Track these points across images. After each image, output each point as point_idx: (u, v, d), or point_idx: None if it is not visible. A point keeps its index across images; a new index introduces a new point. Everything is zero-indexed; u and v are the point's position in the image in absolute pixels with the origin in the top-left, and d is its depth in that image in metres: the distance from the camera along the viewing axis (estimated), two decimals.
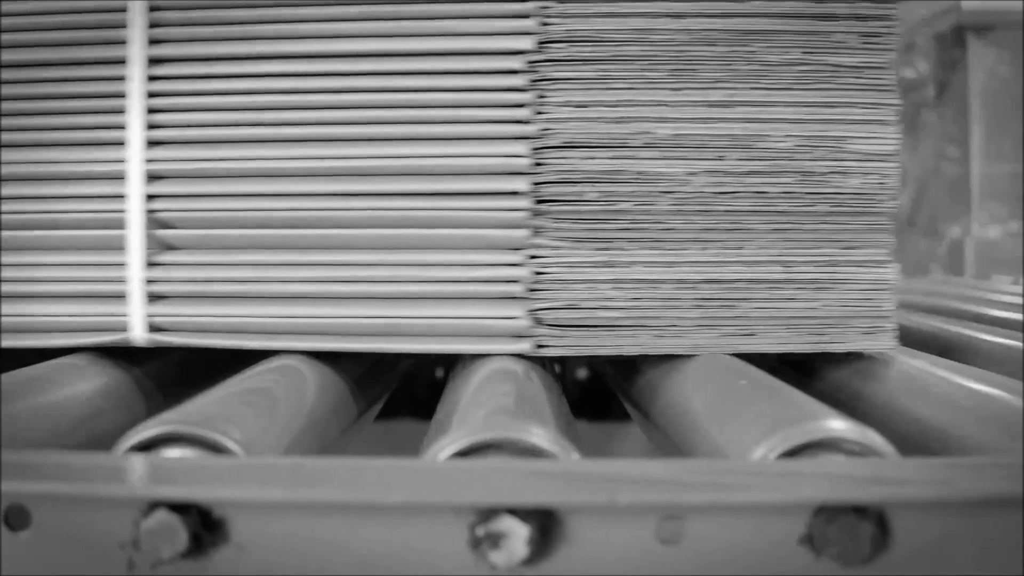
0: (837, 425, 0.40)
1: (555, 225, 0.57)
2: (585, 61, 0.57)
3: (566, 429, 0.43)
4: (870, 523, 0.34)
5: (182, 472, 0.36)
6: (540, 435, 0.40)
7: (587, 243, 0.58)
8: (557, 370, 0.69)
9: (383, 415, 0.73)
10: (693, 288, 0.58)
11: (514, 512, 0.34)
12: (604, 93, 0.57)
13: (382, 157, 0.58)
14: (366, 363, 0.64)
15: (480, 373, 0.54)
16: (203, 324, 0.58)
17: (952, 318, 0.84)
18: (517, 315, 0.57)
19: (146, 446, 0.40)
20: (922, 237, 1.94)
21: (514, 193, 0.57)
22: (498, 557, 0.34)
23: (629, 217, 0.58)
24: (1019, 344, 0.67)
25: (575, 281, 0.58)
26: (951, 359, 0.61)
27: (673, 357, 0.58)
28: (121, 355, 0.59)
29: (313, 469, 0.37)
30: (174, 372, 0.63)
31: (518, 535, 0.34)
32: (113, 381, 0.56)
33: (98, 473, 0.36)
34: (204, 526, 0.34)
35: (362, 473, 0.36)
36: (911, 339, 0.71)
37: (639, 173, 0.57)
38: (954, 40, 1.89)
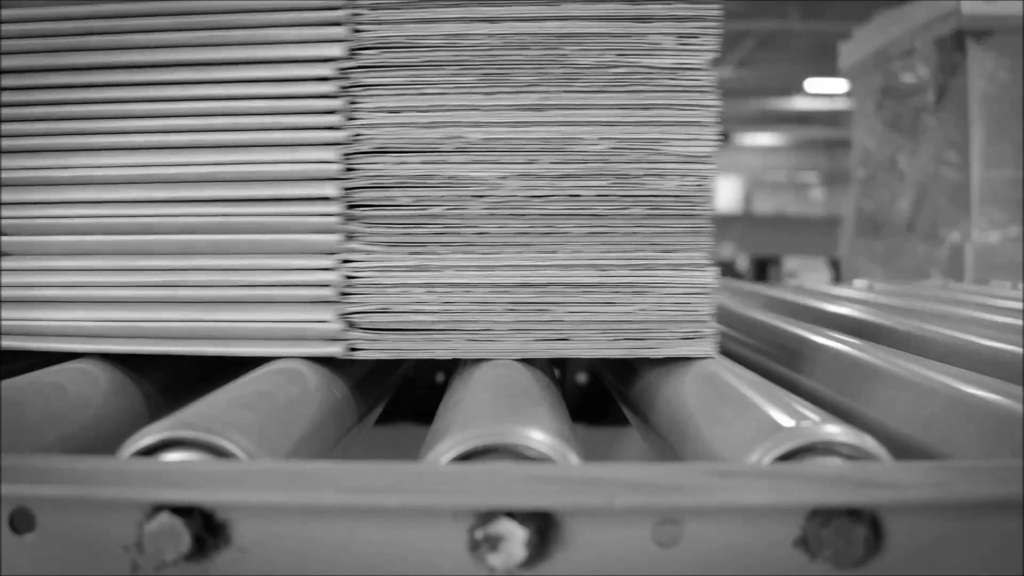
0: (832, 429, 0.40)
1: (368, 229, 0.58)
2: (397, 67, 0.57)
3: (565, 433, 0.44)
4: (864, 526, 0.34)
5: (185, 476, 0.37)
6: (539, 439, 0.40)
7: (400, 247, 0.58)
8: (556, 374, 0.69)
9: (384, 419, 0.74)
10: (506, 292, 0.58)
11: (512, 515, 0.34)
12: (416, 98, 0.57)
13: (199, 164, 0.58)
14: (366, 367, 0.64)
15: (481, 377, 0.54)
16: (30, 328, 0.59)
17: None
18: (329, 319, 0.58)
19: (149, 450, 0.40)
20: (922, 242, 1.94)
21: (325, 198, 0.57)
22: (496, 559, 0.34)
23: (442, 221, 0.58)
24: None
25: (388, 285, 0.58)
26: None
27: (670, 361, 0.59)
28: (125, 361, 0.59)
29: (314, 472, 0.37)
30: (177, 377, 0.63)
31: (516, 538, 0.34)
32: (118, 386, 0.56)
33: (102, 477, 0.36)
34: (207, 529, 0.35)
35: (362, 476, 0.36)
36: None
37: (451, 177, 0.57)
38: (954, 45, 1.90)
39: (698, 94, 0.57)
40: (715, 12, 0.57)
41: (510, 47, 0.57)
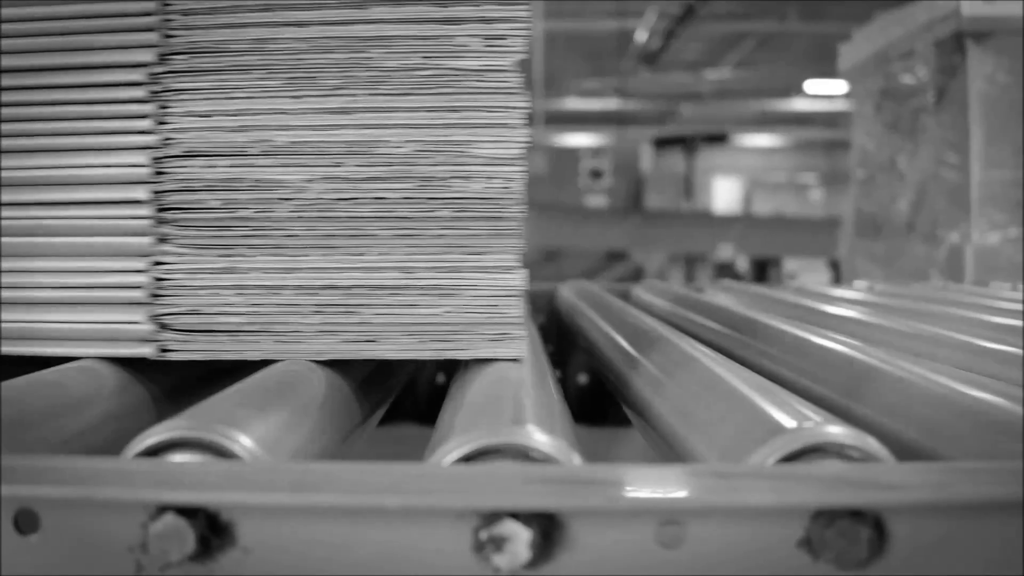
0: (835, 430, 0.40)
1: (179, 232, 0.58)
2: (207, 72, 0.58)
3: (567, 434, 0.44)
4: (867, 527, 0.34)
5: (190, 476, 0.37)
6: (542, 440, 0.40)
7: (210, 249, 0.58)
8: (558, 375, 0.69)
9: (386, 420, 0.74)
10: (313, 294, 0.58)
11: (516, 516, 0.34)
12: (225, 102, 0.58)
13: (13, 168, 0.59)
14: (368, 368, 0.64)
15: (482, 379, 0.54)
16: None
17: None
18: (141, 320, 0.58)
19: (154, 451, 0.40)
20: (921, 243, 1.94)
21: (136, 202, 0.58)
22: (501, 560, 0.34)
23: (250, 224, 0.58)
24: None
25: (199, 287, 0.58)
26: None
27: (669, 362, 0.59)
28: (130, 361, 0.59)
29: (318, 473, 0.37)
30: (182, 378, 0.63)
31: (520, 538, 0.34)
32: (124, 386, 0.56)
33: (106, 477, 0.36)
34: (211, 529, 0.35)
35: (366, 477, 0.36)
36: None
37: (258, 180, 0.58)
38: (954, 46, 1.90)
39: (505, 95, 0.57)
40: (524, 13, 0.57)
41: (317, 51, 0.57)
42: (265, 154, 0.58)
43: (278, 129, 0.57)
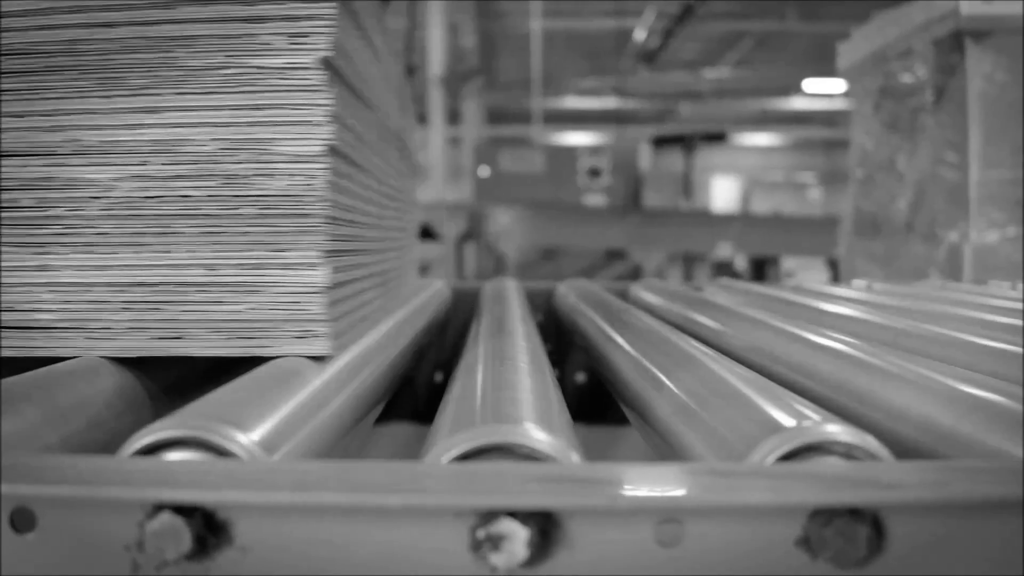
0: (834, 429, 0.40)
1: None
2: (21, 73, 0.58)
3: (566, 432, 0.44)
4: (866, 525, 0.34)
5: (186, 475, 0.37)
6: (541, 438, 0.40)
7: (24, 248, 0.59)
8: (556, 374, 0.69)
9: (383, 419, 0.74)
10: (122, 291, 0.59)
11: (514, 515, 0.34)
12: (39, 103, 0.58)
13: None
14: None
15: (482, 377, 0.54)
16: None
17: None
18: None
19: (151, 449, 0.40)
20: (920, 242, 1.94)
21: None
22: (498, 559, 0.34)
23: (62, 223, 0.59)
24: None
25: (13, 284, 0.59)
26: None
27: (667, 361, 0.58)
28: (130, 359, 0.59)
29: (316, 472, 0.37)
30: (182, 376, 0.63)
31: (518, 537, 0.34)
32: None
33: (103, 476, 0.36)
34: (208, 528, 0.35)
35: (364, 476, 0.36)
36: None
37: (70, 180, 0.58)
38: (952, 46, 1.90)
39: (309, 93, 0.58)
40: (329, 11, 0.58)
41: (126, 51, 0.58)
42: (76, 153, 0.58)
43: (89, 129, 0.58)
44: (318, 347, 0.58)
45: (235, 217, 0.58)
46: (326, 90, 0.57)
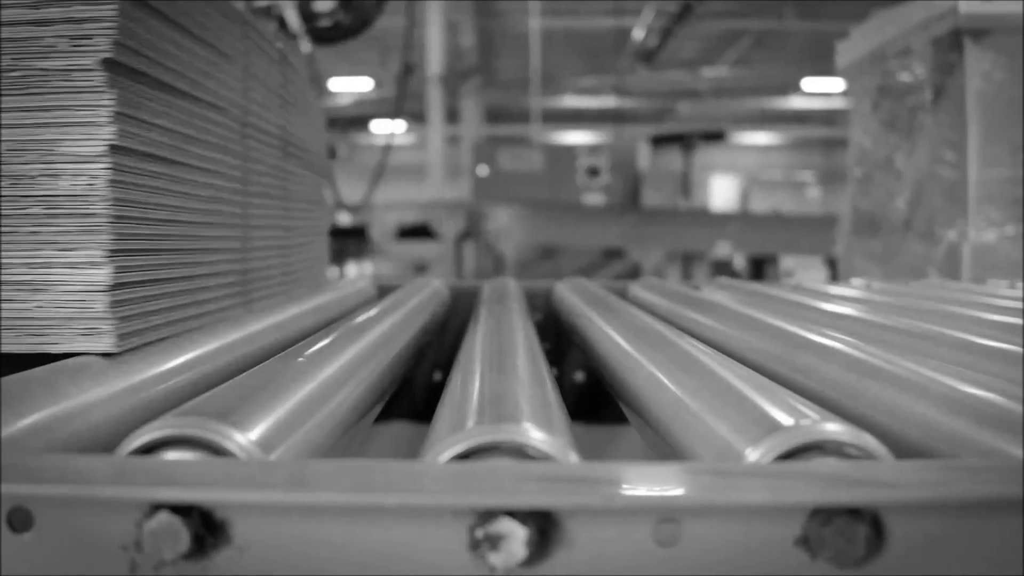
0: (833, 428, 0.40)
1: None
2: None
3: (564, 432, 0.44)
4: (865, 525, 0.34)
5: (184, 474, 0.37)
6: (539, 438, 0.40)
7: None
8: (555, 373, 0.69)
9: (382, 418, 0.74)
10: None
11: (513, 514, 0.34)
12: None
13: None
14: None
15: (480, 377, 0.54)
16: None
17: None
18: None
19: (148, 448, 0.40)
20: (919, 241, 1.94)
21: None
22: (497, 558, 0.34)
23: None
24: None
25: None
26: None
27: (666, 360, 0.59)
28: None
29: (314, 471, 0.37)
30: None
31: (517, 537, 0.34)
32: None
33: (100, 475, 0.36)
34: (206, 527, 0.35)
35: (361, 475, 0.36)
36: None
37: None
38: (951, 44, 1.90)
39: (92, 94, 0.59)
40: (111, 12, 0.58)
41: None
42: None
43: None
44: (104, 344, 0.60)
45: (24, 217, 0.59)
46: (107, 91, 0.58)
